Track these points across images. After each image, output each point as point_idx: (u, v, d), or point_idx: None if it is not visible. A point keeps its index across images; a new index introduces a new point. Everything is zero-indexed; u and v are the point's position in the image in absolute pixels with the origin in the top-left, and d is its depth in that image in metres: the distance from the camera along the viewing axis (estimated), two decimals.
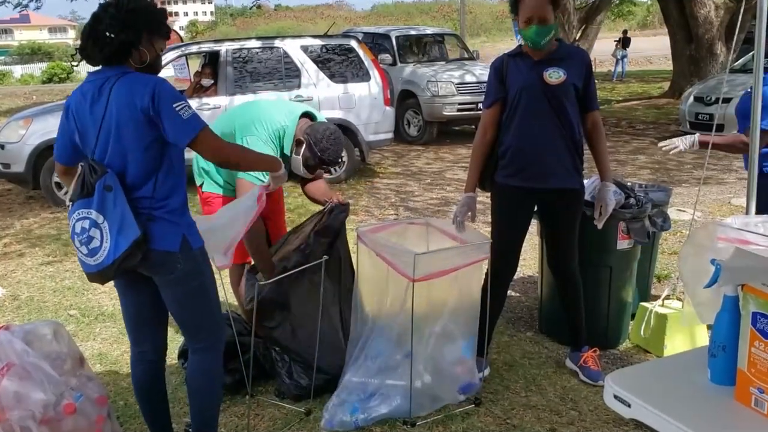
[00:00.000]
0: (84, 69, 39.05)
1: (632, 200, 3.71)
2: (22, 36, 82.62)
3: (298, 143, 3.29)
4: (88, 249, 2.32)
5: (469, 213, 3.38)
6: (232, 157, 2.56)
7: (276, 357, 3.34)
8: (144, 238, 2.32)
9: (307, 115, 3.40)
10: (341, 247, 3.40)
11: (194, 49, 8.81)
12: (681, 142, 3.66)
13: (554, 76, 3.19)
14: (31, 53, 55.13)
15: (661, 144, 3.76)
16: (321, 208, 3.45)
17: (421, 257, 2.94)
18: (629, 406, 1.66)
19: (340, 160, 3.48)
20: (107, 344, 4.08)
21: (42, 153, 7.47)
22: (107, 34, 2.33)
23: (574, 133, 3.27)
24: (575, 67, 3.23)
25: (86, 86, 2.41)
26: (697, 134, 3.71)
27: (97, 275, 2.37)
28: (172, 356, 3.60)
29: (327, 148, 3.25)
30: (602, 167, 3.39)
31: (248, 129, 3.24)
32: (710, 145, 3.69)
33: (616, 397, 1.70)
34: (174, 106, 2.31)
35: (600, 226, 3.34)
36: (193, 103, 7.83)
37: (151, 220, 2.38)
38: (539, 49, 3.20)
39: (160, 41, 2.49)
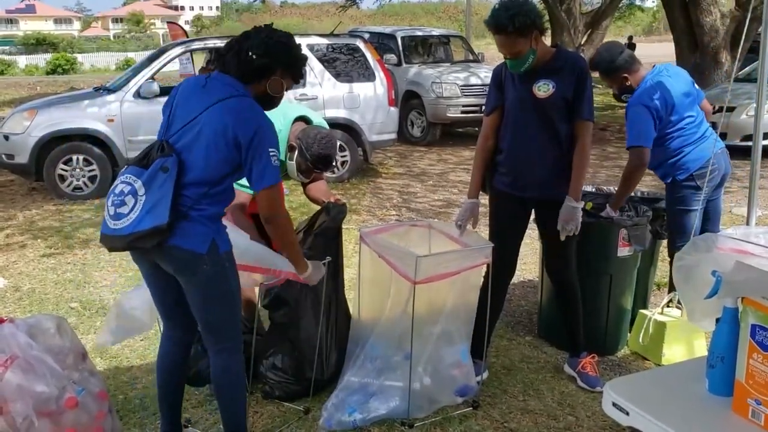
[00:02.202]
0: (87, 61, 39.14)
1: (631, 210, 3.73)
2: (27, 26, 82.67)
3: (290, 149, 3.27)
4: (116, 212, 2.36)
5: (471, 219, 3.39)
6: (280, 222, 2.57)
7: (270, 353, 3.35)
8: (168, 228, 2.32)
9: (302, 119, 3.38)
10: (338, 250, 3.40)
11: (200, 44, 8.82)
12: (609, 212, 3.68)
13: (543, 89, 3.19)
14: (36, 44, 55.14)
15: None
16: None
17: (423, 260, 2.95)
18: (627, 414, 1.68)
19: (333, 164, 3.46)
20: None
21: (46, 145, 7.50)
22: (249, 53, 2.47)
23: (564, 145, 3.27)
24: (568, 78, 3.20)
25: (204, 79, 2.52)
26: (608, 206, 3.70)
27: (108, 239, 2.40)
28: None
29: (318, 153, 3.22)
30: (571, 182, 3.26)
31: None
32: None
33: (614, 404, 1.72)
34: (270, 150, 2.40)
35: (562, 238, 3.28)
36: None
37: (186, 218, 2.40)
38: (521, 73, 3.20)
39: (289, 80, 2.60)
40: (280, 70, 2.55)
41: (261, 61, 2.48)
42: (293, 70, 2.61)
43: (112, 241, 2.38)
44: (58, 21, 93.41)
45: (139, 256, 2.55)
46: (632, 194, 4.14)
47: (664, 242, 4.15)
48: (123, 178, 2.40)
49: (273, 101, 2.63)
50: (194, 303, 2.54)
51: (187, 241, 2.39)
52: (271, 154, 2.40)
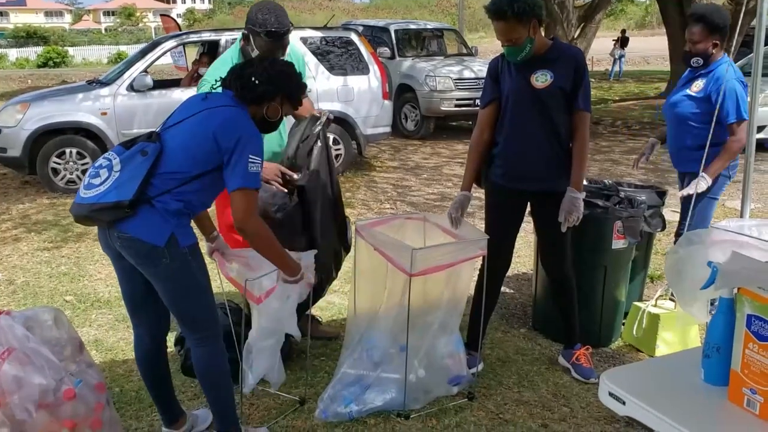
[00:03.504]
0: (78, 55, 38.83)
1: (626, 202, 3.74)
2: (17, 19, 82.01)
3: (245, 38, 3.27)
4: (89, 182, 2.47)
5: (461, 211, 3.37)
6: (254, 230, 2.56)
7: None
8: (129, 206, 2.40)
9: None
10: (329, 157, 3.43)
11: (193, 37, 8.79)
12: (646, 152, 3.78)
13: (541, 79, 3.20)
14: (27, 37, 54.70)
15: (635, 166, 3.99)
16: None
17: (419, 252, 2.96)
18: (624, 403, 1.70)
19: (289, 25, 3.36)
20: (103, 331, 4.09)
21: (39, 138, 7.47)
22: (253, 79, 2.60)
23: (561, 137, 3.28)
24: (565, 69, 3.21)
25: (205, 94, 2.68)
26: (650, 139, 3.90)
27: (75, 206, 2.49)
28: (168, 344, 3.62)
29: (264, 18, 3.19)
30: (573, 172, 3.27)
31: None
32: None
33: (611, 394, 1.73)
34: (250, 155, 2.47)
35: (564, 229, 3.27)
36: (191, 92, 7.81)
37: (149, 204, 2.46)
38: (518, 62, 3.21)
39: (288, 108, 2.73)
40: (280, 97, 2.67)
41: (263, 88, 2.61)
42: (293, 98, 2.74)
43: (78, 209, 2.47)
44: (48, 14, 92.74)
45: (105, 245, 2.60)
46: (626, 185, 4.16)
47: (658, 235, 4.18)
48: (105, 154, 2.53)
49: (269, 125, 2.73)
50: (163, 296, 2.60)
51: (145, 233, 2.45)
52: (250, 160, 2.47)
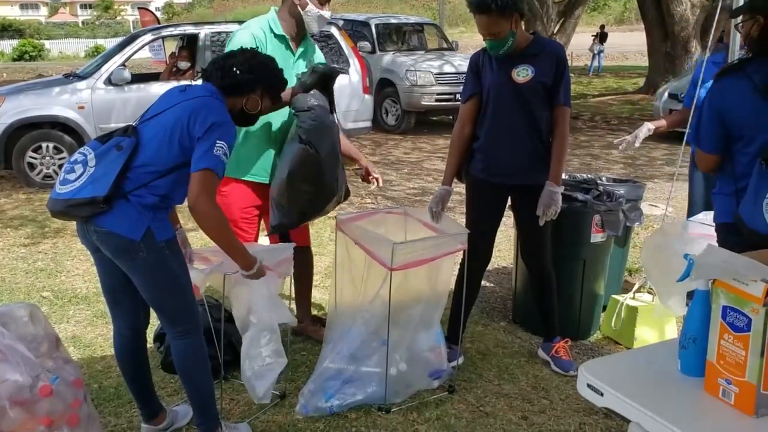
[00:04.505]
0: (55, 48, 38.32)
1: (605, 196, 3.77)
2: None
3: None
4: (64, 177, 2.47)
5: (441, 205, 3.38)
6: (204, 210, 2.44)
7: None
8: (104, 201, 2.39)
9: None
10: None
11: (173, 31, 8.70)
12: (639, 133, 3.82)
13: (522, 74, 3.21)
14: (1, 30, 53.83)
15: (616, 142, 3.91)
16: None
17: (399, 247, 2.96)
18: (602, 395, 1.71)
19: None
20: (81, 327, 4.05)
21: (14, 132, 7.37)
22: (234, 69, 2.61)
23: (542, 131, 3.30)
24: (546, 63, 3.22)
25: (185, 86, 2.67)
26: (646, 123, 3.88)
27: (51, 202, 2.48)
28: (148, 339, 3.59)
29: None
30: (551, 167, 3.29)
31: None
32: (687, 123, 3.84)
33: (589, 386, 1.75)
34: (217, 139, 2.44)
35: (541, 223, 3.30)
36: (169, 86, 7.74)
37: (124, 198, 2.45)
38: (500, 56, 3.23)
39: (267, 101, 2.76)
40: (260, 88, 2.68)
41: (244, 77, 2.62)
42: (273, 91, 2.75)
43: (54, 204, 2.46)
44: (24, 6, 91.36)
45: (83, 238, 2.59)
46: (604, 179, 4.18)
47: (636, 229, 4.21)
48: (80, 149, 2.52)
49: (248, 118, 2.74)
50: (141, 289, 2.59)
51: (121, 226, 2.44)
52: (217, 144, 2.44)
